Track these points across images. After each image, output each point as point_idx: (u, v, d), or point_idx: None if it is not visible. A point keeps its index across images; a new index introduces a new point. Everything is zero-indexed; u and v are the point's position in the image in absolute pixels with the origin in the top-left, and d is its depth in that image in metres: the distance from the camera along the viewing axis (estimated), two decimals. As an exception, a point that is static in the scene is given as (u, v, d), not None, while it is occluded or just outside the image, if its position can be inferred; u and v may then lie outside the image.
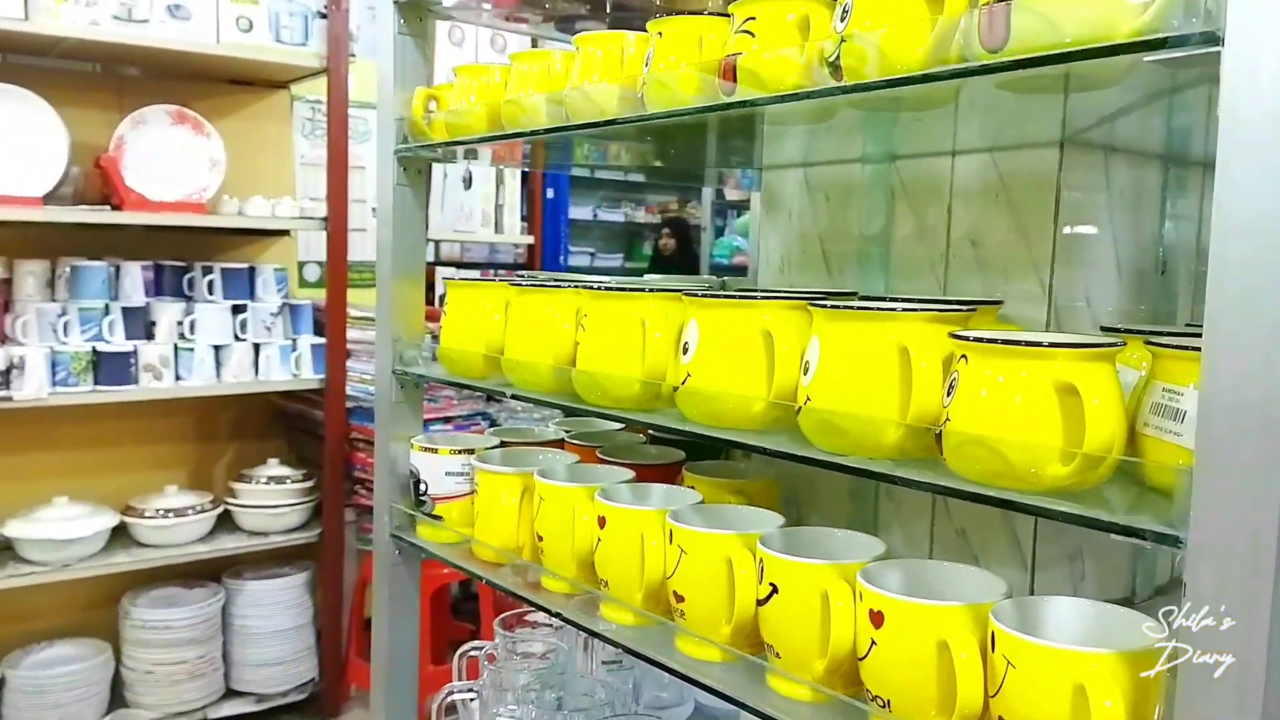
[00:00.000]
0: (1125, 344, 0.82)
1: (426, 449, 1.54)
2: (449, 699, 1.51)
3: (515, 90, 1.32)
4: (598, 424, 1.79)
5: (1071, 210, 1.16)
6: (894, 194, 1.34)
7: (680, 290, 1.17)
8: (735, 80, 1.00)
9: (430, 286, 4.19)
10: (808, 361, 0.97)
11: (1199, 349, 0.69)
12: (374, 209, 1.64)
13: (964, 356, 0.84)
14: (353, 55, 3.05)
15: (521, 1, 1.53)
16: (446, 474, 1.52)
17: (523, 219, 4.99)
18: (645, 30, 1.17)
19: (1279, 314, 0.63)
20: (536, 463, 1.49)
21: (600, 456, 1.51)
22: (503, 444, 1.58)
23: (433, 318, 3.28)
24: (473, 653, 1.57)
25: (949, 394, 0.85)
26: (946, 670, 0.84)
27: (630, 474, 1.37)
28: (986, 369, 0.82)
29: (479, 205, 4.88)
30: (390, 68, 1.53)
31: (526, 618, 1.61)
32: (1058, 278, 1.16)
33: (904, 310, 0.91)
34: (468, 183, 4.82)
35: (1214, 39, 0.65)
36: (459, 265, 4.80)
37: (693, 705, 1.53)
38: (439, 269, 4.26)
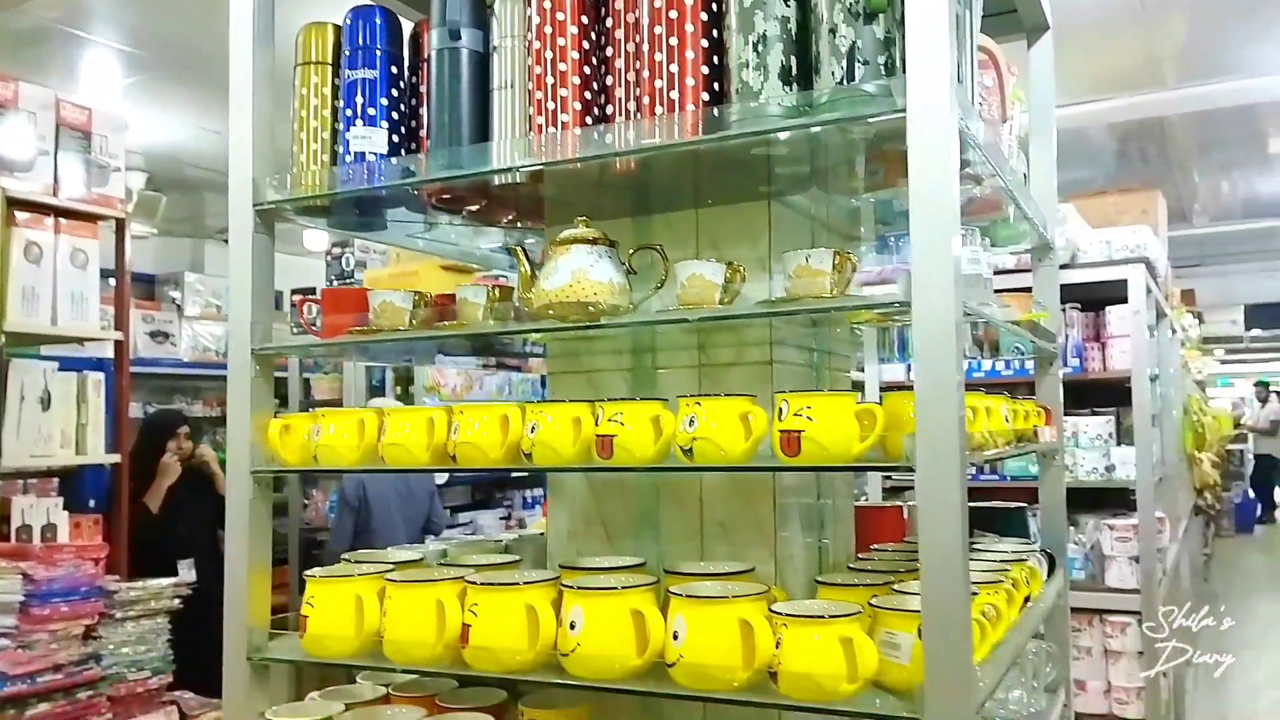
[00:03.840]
0: (862, 610, 1.49)
1: (289, 722, 1.78)
2: None
3: (393, 435, 1.74)
4: (396, 676, 2.11)
5: (781, 496, 1.85)
6: (658, 488, 1.95)
7: (553, 579, 1.65)
8: (612, 451, 1.55)
9: (4, 518, 3.93)
10: (676, 631, 1.51)
11: (904, 608, 1.39)
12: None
13: (785, 624, 1.45)
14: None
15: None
16: (312, 744, 1.77)
17: (108, 437, 4.82)
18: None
19: (955, 575, 1.32)
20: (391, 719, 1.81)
21: (439, 704, 1.87)
22: (347, 707, 1.87)
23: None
24: None
25: (778, 647, 1.45)
26: None
27: (490, 718, 1.77)
28: (797, 633, 1.44)
29: (58, 426, 4.65)
30: (246, 402, 1.83)
31: None
32: (779, 542, 1.84)
33: (737, 596, 1.50)
34: (46, 403, 4.60)
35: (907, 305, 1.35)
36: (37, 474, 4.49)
37: None
38: (16, 499, 4.01)
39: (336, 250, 6.48)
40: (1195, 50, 5.88)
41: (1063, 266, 4.13)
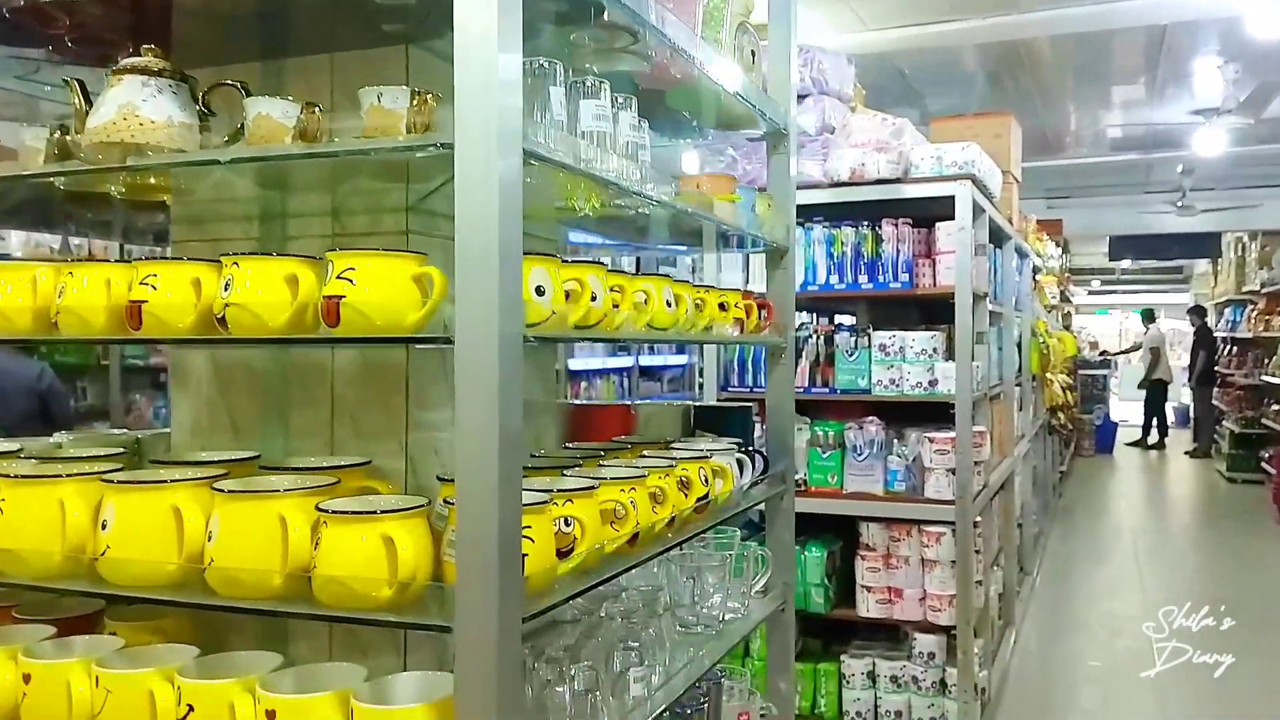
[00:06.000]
0: (430, 502, 1.28)
1: None
2: None
3: None
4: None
5: (417, 392, 1.63)
6: (286, 374, 1.70)
7: (96, 472, 1.40)
8: (141, 320, 1.30)
9: None
10: (211, 531, 1.29)
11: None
12: None
13: (325, 522, 1.24)
14: None
15: None
16: None
17: None
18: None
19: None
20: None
21: (16, 616, 1.62)
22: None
23: None
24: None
25: (315, 548, 1.24)
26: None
27: (51, 629, 1.53)
28: (336, 532, 1.23)
29: None
30: None
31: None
32: (412, 440, 1.63)
33: (283, 491, 1.28)
34: None
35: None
36: None
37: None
38: None
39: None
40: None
41: (895, 181, 3.99)
